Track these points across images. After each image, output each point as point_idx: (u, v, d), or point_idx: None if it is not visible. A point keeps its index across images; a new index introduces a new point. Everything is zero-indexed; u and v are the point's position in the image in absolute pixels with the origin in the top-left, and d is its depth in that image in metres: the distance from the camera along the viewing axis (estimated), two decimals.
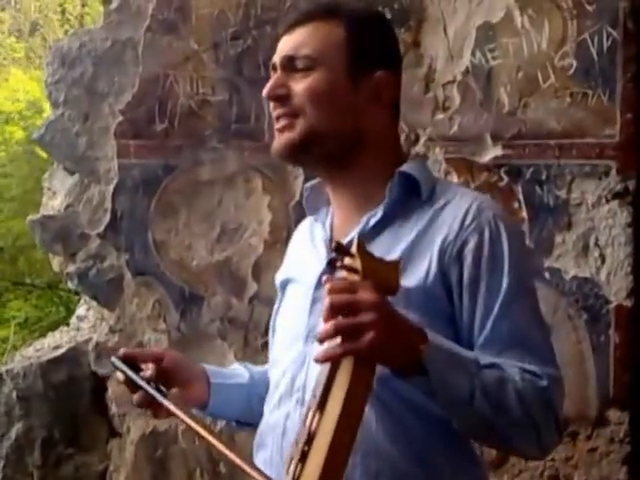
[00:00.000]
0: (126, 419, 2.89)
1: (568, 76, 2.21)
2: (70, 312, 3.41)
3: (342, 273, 1.08)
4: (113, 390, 2.90)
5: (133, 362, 1.24)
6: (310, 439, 0.98)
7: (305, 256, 1.36)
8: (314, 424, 0.99)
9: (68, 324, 3.24)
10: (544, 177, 2.26)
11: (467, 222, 1.22)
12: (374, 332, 1.00)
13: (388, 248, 1.21)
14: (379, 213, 1.25)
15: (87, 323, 3.08)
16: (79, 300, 3.32)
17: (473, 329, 1.20)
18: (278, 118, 1.27)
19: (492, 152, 2.34)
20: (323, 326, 1.03)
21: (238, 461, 1.00)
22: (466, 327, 1.20)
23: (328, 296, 1.02)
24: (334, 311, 1.01)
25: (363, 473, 1.13)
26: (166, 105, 2.76)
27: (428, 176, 1.32)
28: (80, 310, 3.16)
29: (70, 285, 2.97)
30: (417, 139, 2.46)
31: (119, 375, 1.22)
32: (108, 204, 2.82)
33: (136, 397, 1.22)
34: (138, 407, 1.23)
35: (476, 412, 1.11)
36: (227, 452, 1.01)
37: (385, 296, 1.05)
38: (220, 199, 2.84)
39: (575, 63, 2.18)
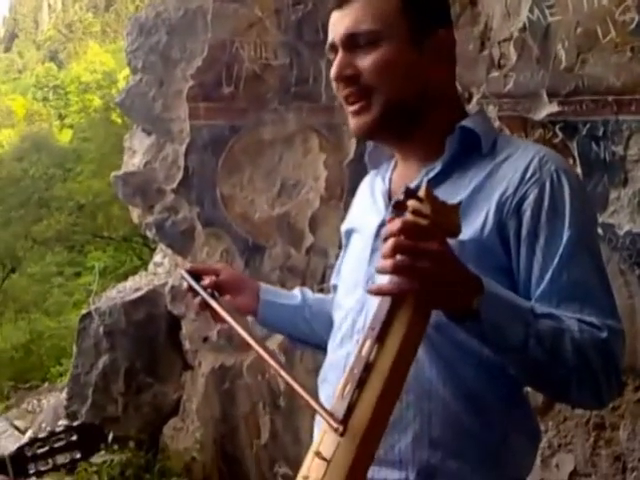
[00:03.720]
0: (198, 354, 2.77)
1: (629, 31, 1.83)
2: (143, 262, 3.23)
3: (409, 216, 0.93)
4: (187, 328, 2.78)
5: (197, 274, 1.22)
6: (367, 368, 0.90)
7: (366, 208, 1.21)
8: (372, 355, 0.91)
9: (146, 269, 3.07)
10: (601, 133, 1.89)
11: (528, 175, 1.04)
12: (429, 280, 0.89)
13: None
14: (437, 167, 1.08)
15: (163, 269, 3.01)
16: (153, 250, 3.16)
17: (531, 282, 1.01)
18: (349, 99, 1.08)
19: (548, 109, 1.99)
20: (383, 260, 0.90)
21: (272, 362, 0.97)
22: (524, 280, 1.02)
23: (398, 235, 0.89)
24: (397, 251, 0.89)
25: (417, 413, 1.02)
26: (232, 69, 2.56)
27: (489, 130, 1.12)
28: (157, 257, 3.05)
29: (148, 234, 2.83)
30: (470, 97, 2.14)
31: (185, 284, 1.21)
32: (181, 162, 2.65)
33: (195, 301, 1.19)
34: (200, 309, 1.19)
35: (530, 360, 0.96)
36: (265, 355, 0.99)
37: (448, 244, 0.93)
38: (280, 157, 2.65)
39: (637, 17, 1.81)
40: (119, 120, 14.64)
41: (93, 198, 14.30)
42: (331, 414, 0.89)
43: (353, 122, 1.08)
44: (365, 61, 1.04)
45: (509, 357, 0.97)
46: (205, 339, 2.71)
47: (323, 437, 0.92)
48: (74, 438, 1.26)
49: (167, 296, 2.77)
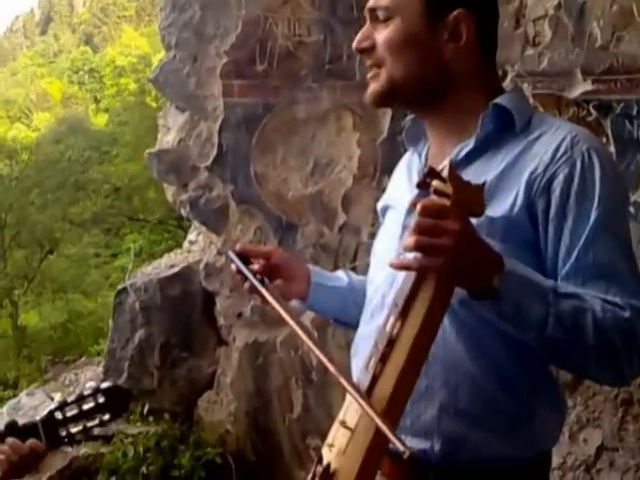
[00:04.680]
0: (232, 330, 2.83)
1: None
2: (177, 244, 3.30)
3: (433, 197, 0.95)
4: (221, 304, 2.84)
5: (245, 256, 1.20)
6: (390, 342, 0.94)
7: (402, 185, 1.23)
8: (395, 330, 0.94)
9: (181, 247, 3.14)
10: (634, 112, 1.89)
11: (559, 154, 1.05)
12: (447, 257, 0.92)
13: (476, 178, 1.04)
14: (471, 144, 1.10)
15: (197, 246, 3.06)
16: (186, 233, 3.22)
17: (557, 260, 1.04)
18: (368, 68, 1.15)
19: (582, 87, 1.99)
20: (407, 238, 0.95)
21: (315, 348, 0.97)
22: (551, 258, 1.04)
23: (418, 216, 0.93)
24: (419, 231, 0.93)
25: (443, 384, 1.06)
26: (266, 46, 2.58)
27: (523, 107, 1.13)
28: (191, 235, 3.12)
29: (182, 212, 2.87)
30: (505, 75, 2.12)
31: (232, 266, 1.19)
32: (215, 139, 2.69)
33: (245, 285, 1.18)
34: (249, 293, 1.18)
35: (549, 338, 0.98)
36: (310, 343, 0.98)
37: (470, 223, 0.95)
38: (313, 136, 2.67)
39: None
40: (154, 104, 14.85)
41: (129, 181, 14.58)
42: (360, 392, 0.91)
43: (368, 89, 1.15)
44: (380, 35, 1.11)
45: (529, 335, 0.99)
46: (239, 315, 2.77)
47: (348, 407, 0.96)
48: (102, 400, 1.29)
49: (201, 273, 2.82)
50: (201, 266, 2.83)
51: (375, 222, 2.71)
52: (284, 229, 2.69)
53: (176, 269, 2.92)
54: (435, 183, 0.93)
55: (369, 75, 1.14)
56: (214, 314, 2.84)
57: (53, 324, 12.82)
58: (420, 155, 1.20)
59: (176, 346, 2.86)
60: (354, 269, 2.65)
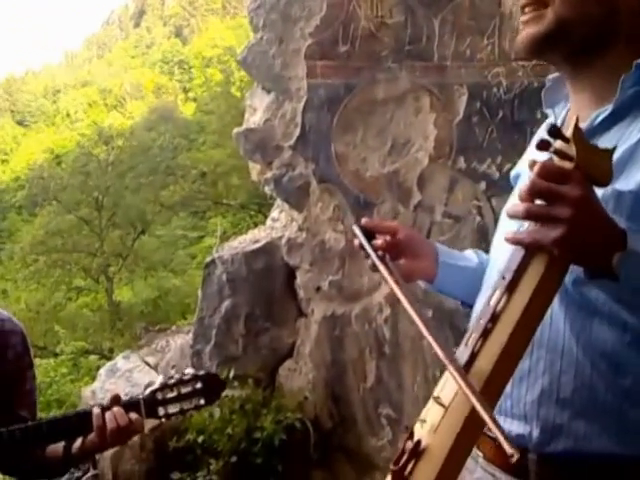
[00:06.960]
0: (311, 303, 2.90)
1: None
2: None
3: (554, 158, 0.83)
4: (301, 278, 2.91)
5: (370, 232, 1.10)
6: (494, 318, 0.84)
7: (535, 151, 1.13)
8: (500, 305, 0.84)
9: (264, 224, 3.22)
10: None
11: None
12: (565, 229, 0.79)
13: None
14: (609, 109, 0.96)
15: (280, 223, 3.13)
16: (265, 217, 3.30)
17: None
18: (524, 8, 0.99)
19: None
20: (517, 204, 0.82)
21: (425, 330, 0.87)
22: None
23: (535, 177, 0.79)
24: (534, 194, 0.80)
25: (546, 369, 0.95)
26: (349, 28, 2.61)
27: None
28: (274, 213, 3.21)
29: (267, 190, 2.94)
30: None
31: (356, 241, 1.10)
32: (298, 119, 2.75)
33: (369, 261, 1.08)
34: (371, 270, 1.07)
35: None
36: (422, 326, 0.88)
37: (593, 191, 0.82)
38: (392, 116, 2.69)
39: None
40: (238, 94, 15.15)
41: (214, 167, 15.01)
42: (461, 371, 0.83)
43: (521, 34, 1.00)
44: None
45: None
46: (318, 289, 2.83)
47: (445, 383, 0.88)
48: (199, 386, 1.36)
49: (283, 248, 2.90)
50: (283, 241, 2.91)
51: (448, 202, 2.71)
52: (361, 207, 2.71)
53: (260, 244, 3.00)
54: (557, 144, 0.82)
55: (525, 18, 0.99)
56: (295, 287, 2.91)
57: (144, 299, 13.42)
58: (558, 118, 1.07)
59: (259, 316, 2.95)
60: None
